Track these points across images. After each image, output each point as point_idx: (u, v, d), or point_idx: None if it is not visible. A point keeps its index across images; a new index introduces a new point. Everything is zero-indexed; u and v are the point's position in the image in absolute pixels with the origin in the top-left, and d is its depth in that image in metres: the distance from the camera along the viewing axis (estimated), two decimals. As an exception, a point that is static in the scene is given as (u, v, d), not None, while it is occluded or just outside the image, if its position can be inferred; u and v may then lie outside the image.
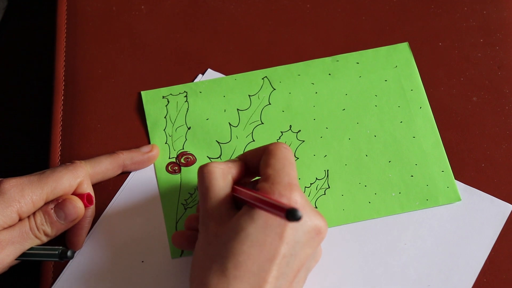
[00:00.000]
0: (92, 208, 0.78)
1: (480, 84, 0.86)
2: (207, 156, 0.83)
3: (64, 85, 0.86)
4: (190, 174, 0.82)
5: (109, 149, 0.82)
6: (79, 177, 0.76)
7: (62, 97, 0.85)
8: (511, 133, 0.83)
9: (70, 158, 0.82)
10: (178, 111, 0.85)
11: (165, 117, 0.85)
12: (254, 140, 0.83)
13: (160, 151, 0.83)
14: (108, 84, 0.86)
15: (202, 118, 0.85)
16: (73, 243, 0.78)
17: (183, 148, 0.83)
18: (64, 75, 0.86)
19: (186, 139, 0.84)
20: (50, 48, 0.89)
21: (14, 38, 0.95)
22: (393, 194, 0.81)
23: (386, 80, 0.86)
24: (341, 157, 0.83)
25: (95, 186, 0.79)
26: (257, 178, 0.76)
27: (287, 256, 0.66)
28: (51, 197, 0.75)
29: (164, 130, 0.84)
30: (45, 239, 0.75)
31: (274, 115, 0.85)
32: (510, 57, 0.87)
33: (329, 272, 0.77)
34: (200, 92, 0.86)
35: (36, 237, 0.74)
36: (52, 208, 0.74)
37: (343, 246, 0.78)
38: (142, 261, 0.78)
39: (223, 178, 0.71)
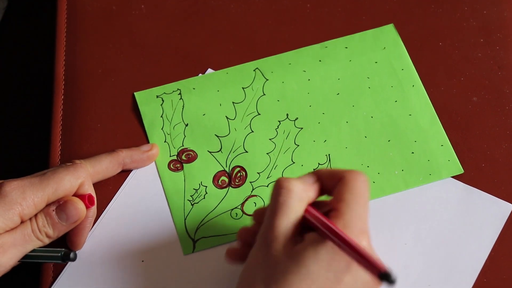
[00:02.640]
0: (93, 208, 0.77)
1: (480, 84, 0.86)
2: (208, 151, 0.83)
3: (64, 84, 0.86)
4: (192, 170, 0.82)
5: (109, 149, 0.82)
6: (80, 178, 0.76)
7: (62, 97, 0.85)
8: (511, 133, 0.84)
9: (70, 158, 0.82)
10: (174, 109, 0.85)
11: (161, 116, 0.85)
12: (253, 131, 0.84)
13: (160, 150, 0.83)
14: (108, 84, 0.86)
15: (198, 114, 0.85)
16: (74, 243, 0.78)
17: (182, 145, 0.83)
18: (64, 75, 0.86)
19: (185, 136, 0.84)
20: (50, 48, 0.88)
21: (14, 38, 0.94)
22: (396, 172, 0.81)
23: (376, 62, 0.87)
24: (341, 141, 0.83)
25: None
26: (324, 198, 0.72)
27: None
28: (52, 199, 0.74)
29: (162, 129, 0.84)
30: (47, 241, 0.75)
31: (270, 105, 0.85)
32: (511, 57, 0.88)
33: None
34: (194, 89, 0.86)
35: (38, 239, 0.74)
36: (53, 210, 0.74)
37: None
38: (142, 261, 0.78)
39: (299, 200, 0.67)
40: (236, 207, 0.81)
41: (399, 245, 0.78)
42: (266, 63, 0.87)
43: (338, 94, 0.85)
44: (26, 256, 0.74)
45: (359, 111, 0.84)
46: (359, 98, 0.85)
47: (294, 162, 0.82)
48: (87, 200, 0.76)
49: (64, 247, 0.76)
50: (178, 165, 0.83)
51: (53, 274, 0.78)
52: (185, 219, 0.80)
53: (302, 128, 0.84)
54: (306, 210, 0.67)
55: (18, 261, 0.74)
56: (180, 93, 0.86)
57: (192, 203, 0.81)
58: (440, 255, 0.78)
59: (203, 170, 0.82)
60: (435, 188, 0.81)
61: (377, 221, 0.79)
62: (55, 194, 0.74)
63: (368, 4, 0.91)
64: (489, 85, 0.86)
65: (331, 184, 0.68)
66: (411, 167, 0.82)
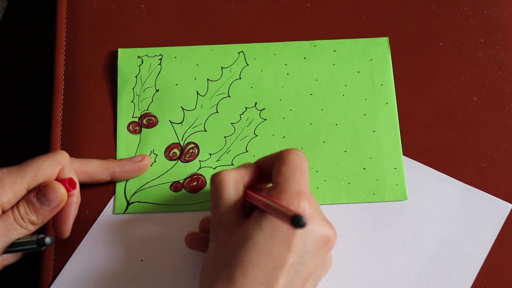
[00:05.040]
0: (76, 194, 0.77)
1: (481, 84, 0.86)
2: (169, 120, 0.84)
3: (64, 84, 0.86)
4: (149, 135, 0.83)
5: (109, 149, 0.83)
6: (60, 163, 0.76)
7: (62, 97, 0.86)
8: (511, 133, 0.83)
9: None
10: (149, 73, 0.86)
11: (136, 76, 0.86)
12: (217, 112, 0.84)
13: (125, 109, 0.84)
14: (108, 83, 0.87)
15: (171, 83, 0.86)
16: (60, 230, 0.77)
17: (147, 109, 0.84)
18: (64, 75, 0.87)
19: (152, 101, 0.85)
20: (50, 47, 0.89)
21: (14, 38, 0.95)
22: (342, 184, 0.81)
23: (358, 72, 0.85)
24: (299, 140, 0.83)
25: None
26: (270, 184, 0.75)
27: (295, 265, 0.65)
28: (32, 185, 0.74)
29: (132, 88, 0.85)
30: (32, 228, 0.74)
31: (242, 90, 0.85)
32: (511, 57, 0.87)
33: (328, 271, 0.76)
34: (175, 58, 0.87)
35: (22, 227, 0.73)
36: (34, 196, 0.73)
37: (342, 245, 0.78)
38: (142, 260, 0.79)
39: (234, 186, 0.70)
40: (178, 181, 0.82)
41: (398, 244, 0.78)
42: (252, 48, 0.87)
43: (311, 94, 0.85)
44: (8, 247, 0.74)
45: (326, 115, 0.84)
46: (330, 103, 0.84)
47: (247, 151, 0.83)
48: (67, 184, 0.76)
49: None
50: (137, 128, 0.84)
51: (53, 274, 0.79)
52: (126, 181, 0.81)
53: (265, 120, 0.84)
54: (246, 194, 0.70)
55: (4, 253, 0.74)
56: (160, 59, 0.87)
57: (140, 168, 0.83)
58: (439, 255, 0.78)
59: (159, 138, 0.83)
60: (434, 187, 0.80)
61: (377, 220, 0.79)
62: (35, 180, 0.74)
63: (368, 4, 0.90)
64: (489, 85, 0.85)
65: (270, 167, 0.71)
66: (358, 182, 0.81)
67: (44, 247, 0.73)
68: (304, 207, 0.66)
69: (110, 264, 0.78)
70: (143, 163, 0.81)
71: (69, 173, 0.76)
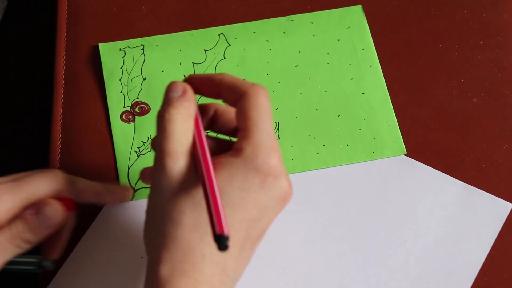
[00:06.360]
0: (72, 216, 0.73)
1: (480, 85, 0.87)
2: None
3: (64, 84, 0.86)
4: (144, 122, 0.84)
5: (109, 149, 0.83)
6: (58, 182, 0.72)
7: (62, 97, 0.85)
8: (511, 134, 0.84)
9: (70, 157, 0.82)
10: (134, 63, 0.86)
11: (121, 68, 0.86)
12: (207, 93, 0.85)
13: (115, 100, 0.85)
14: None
15: (157, 70, 0.86)
16: (50, 251, 0.73)
17: (138, 98, 0.85)
18: (64, 75, 0.86)
19: (141, 89, 0.85)
20: (50, 47, 0.88)
21: (14, 38, 0.95)
22: (341, 146, 0.82)
23: (338, 40, 0.88)
24: (292, 110, 0.84)
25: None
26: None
27: (255, 220, 0.64)
28: (28, 203, 0.70)
29: (120, 80, 0.86)
30: (27, 247, 0.69)
31: (228, 69, 0.86)
32: (510, 59, 0.88)
33: (328, 271, 0.77)
34: (157, 46, 0.87)
35: (18, 246, 0.69)
36: (31, 214, 0.69)
37: (343, 245, 0.78)
38: (142, 257, 0.78)
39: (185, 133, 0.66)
40: (179, 163, 0.82)
41: (399, 242, 0.79)
42: (232, 29, 0.88)
43: (297, 66, 0.86)
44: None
45: (314, 84, 0.86)
46: (316, 72, 0.86)
47: (241, 127, 0.84)
48: (66, 204, 0.72)
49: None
50: (131, 116, 0.84)
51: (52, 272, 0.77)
52: (128, 169, 0.82)
53: (256, 95, 0.85)
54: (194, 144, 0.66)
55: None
56: (143, 49, 0.87)
57: (138, 154, 0.83)
58: (439, 254, 0.78)
59: (154, 124, 0.83)
60: (434, 187, 0.81)
61: (377, 219, 0.80)
62: (32, 198, 0.70)
63: (368, 6, 0.91)
64: (489, 87, 0.87)
65: (233, 96, 0.67)
66: (356, 143, 0.83)
67: (44, 270, 0.72)
68: (274, 162, 0.64)
69: (110, 262, 0.78)
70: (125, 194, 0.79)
71: (67, 193, 0.73)
